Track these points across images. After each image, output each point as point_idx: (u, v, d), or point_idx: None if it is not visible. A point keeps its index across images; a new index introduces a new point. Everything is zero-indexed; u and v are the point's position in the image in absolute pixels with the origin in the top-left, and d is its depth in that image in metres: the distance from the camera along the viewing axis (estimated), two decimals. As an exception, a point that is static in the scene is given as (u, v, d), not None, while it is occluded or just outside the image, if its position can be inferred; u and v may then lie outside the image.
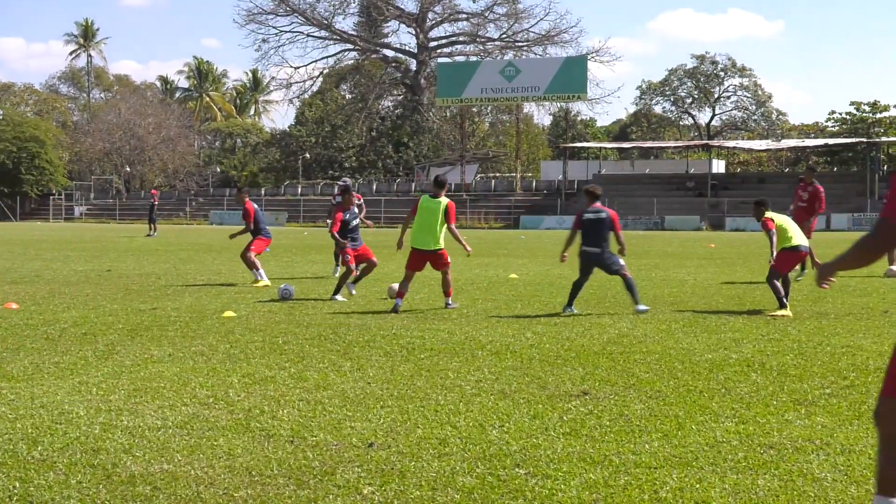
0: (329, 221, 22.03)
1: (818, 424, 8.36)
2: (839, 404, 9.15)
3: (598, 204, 16.76)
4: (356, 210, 20.71)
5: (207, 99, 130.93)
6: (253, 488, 6.62)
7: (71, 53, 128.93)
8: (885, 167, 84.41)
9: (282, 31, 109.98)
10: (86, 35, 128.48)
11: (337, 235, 19.59)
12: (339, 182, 24.77)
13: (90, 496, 6.39)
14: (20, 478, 6.82)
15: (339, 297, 18.59)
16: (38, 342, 12.88)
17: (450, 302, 17.28)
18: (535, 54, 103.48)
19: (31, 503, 6.32)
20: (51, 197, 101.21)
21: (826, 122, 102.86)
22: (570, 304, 16.58)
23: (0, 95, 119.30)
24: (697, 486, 6.59)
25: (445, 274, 17.26)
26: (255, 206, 22.94)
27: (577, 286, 16.66)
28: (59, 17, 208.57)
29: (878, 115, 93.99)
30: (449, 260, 17.15)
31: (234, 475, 6.91)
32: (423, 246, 17.04)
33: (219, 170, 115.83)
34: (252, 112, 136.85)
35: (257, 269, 22.22)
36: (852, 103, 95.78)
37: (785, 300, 16.05)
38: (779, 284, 16.13)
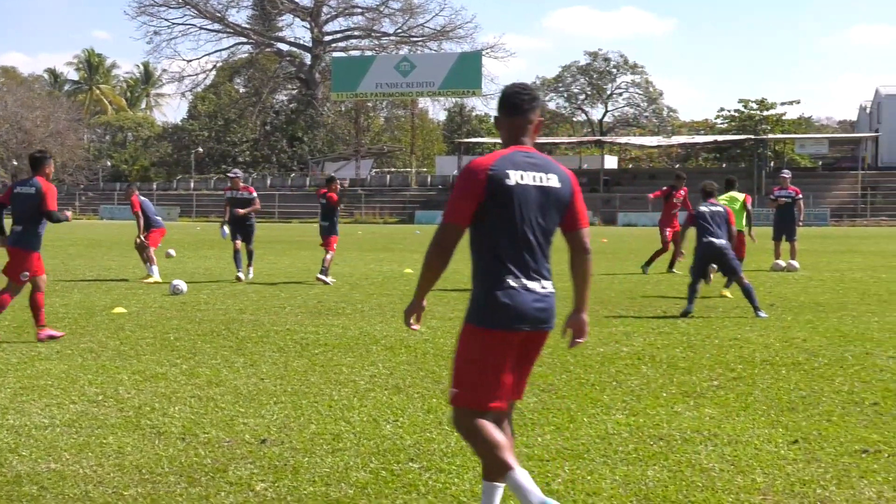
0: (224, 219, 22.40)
1: (706, 416, 8.49)
2: (726, 396, 9.31)
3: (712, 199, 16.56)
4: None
5: (97, 92, 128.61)
6: (143, 486, 6.52)
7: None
8: (772, 163, 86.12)
9: (174, 24, 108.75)
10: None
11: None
12: (228, 174, 24.47)
13: (-25, 496, 6.26)
14: None
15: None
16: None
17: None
18: (431, 50, 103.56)
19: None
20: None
21: (715, 119, 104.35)
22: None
23: None
24: (589, 477, 6.65)
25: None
26: (143, 198, 22.72)
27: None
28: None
29: (766, 113, 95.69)
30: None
31: (123, 473, 6.80)
32: None
33: (109, 164, 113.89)
34: (143, 106, 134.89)
35: (151, 265, 21.98)
36: (741, 101, 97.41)
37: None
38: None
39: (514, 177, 5.30)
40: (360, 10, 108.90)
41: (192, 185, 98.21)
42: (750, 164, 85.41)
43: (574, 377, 10.26)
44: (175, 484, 6.57)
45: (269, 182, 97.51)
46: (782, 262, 24.83)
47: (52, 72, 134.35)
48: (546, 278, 5.45)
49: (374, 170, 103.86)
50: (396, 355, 11.71)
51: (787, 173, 27.44)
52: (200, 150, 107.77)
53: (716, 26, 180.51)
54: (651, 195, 25.67)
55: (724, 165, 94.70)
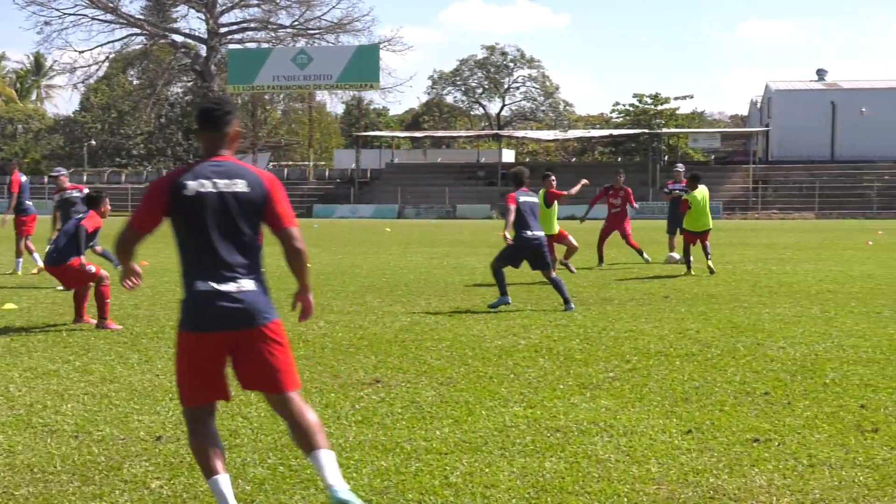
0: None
1: (602, 407, 8.58)
2: (622, 387, 9.42)
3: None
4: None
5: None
6: (35, 486, 6.43)
7: None
8: (666, 157, 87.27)
9: (65, 14, 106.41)
10: None
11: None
12: (51, 172, 22.40)
13: None
14: None
15: None
16: None
17: None
18: (328, 42, 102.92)
19: None
20: None
21: (611, 113, 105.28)
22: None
23: None
24: (487, 470, 6.69)
25: None
26: (24, 178, 22.10)
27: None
28: None
29: (660, 107, 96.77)
30: None
31: (14, 473, 6.70)
32: None
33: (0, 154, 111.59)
34: (34, 97, 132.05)
35: (32, 254, 21.73)
36: (635, 95, 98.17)
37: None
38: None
39: (195, 186, 5.62)
40: (255, 3, 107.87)
41: (84, 178, 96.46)
42: (644, 158, 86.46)
43: (472, 370, 10.31)
44: (68, 482, 6.49)
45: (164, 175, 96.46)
46: (676, 255, 25.10)
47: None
48: (243, 278, 5.76)
49: (272, 163, 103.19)
50: (295, 350, 11.54)
51: (680, 167, 27.72)
52: (93, 142, 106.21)
53: (610, 21, 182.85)
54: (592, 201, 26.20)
55: (619, 159, 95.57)
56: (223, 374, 5.83)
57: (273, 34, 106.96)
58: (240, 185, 5.73)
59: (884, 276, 21.08)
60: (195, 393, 5.80)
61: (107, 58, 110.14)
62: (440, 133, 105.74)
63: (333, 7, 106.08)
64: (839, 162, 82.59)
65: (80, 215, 14.01)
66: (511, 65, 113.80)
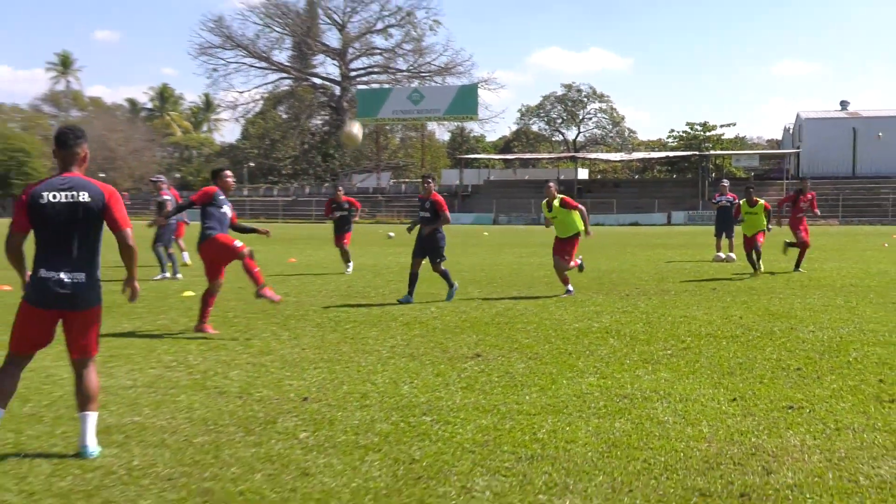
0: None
1: (662, 379, 8.51)
2: (678, 362, 9.32)
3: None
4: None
5: (168, 117, 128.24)
6: (209, 435, 6.56)
7: (52, 79, 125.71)
8: (713, 174, 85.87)
9: (228, 63, 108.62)
10: (64, 64, 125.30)
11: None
12: (151, 178, 21.60)
13: (72, 444, 6.28)
14: (14, 430, 6.69)
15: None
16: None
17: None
18: (436, 83, 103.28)
19: (23, 451, 6.20)
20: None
21: (667, 138, 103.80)
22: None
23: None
24: (567, 428, 6.67)
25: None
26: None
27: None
28: (41, 49, 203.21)
29: (708, 133, 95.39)
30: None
31: (193, 425, 6.84)
32: None
33: (178, 176, 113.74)
34: (205, 129, 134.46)
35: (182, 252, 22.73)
36: (687, 124, 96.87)
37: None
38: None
39: (48, 196, 6.07)
40: (379, 52, 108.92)
41: (245, 192, 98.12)
42: (695, 176, 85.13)
43: (554, 347, 10.28)
44: (234, 433, 6.60)
45: (307, 190, 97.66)
46: (722, 255, 24.81)
47: (131, 101, 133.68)
48: (78, 270, 6.13)
49: (392, 180, 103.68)
50: (412, 330, 11.73)
51: (726, 182, 27.32)
52: (251, 164, 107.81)
53: (667, 62, 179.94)
54: (780, 200, 23.61)
55: (674, 176, 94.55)
56: (49, 335, 6.26)
57: (392, 77, 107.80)
58: (84, 196, 6.16)
59: (897, 272, 20.58)
60: (22, 344, 6.24)
61: (261, 97, 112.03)
62: (527, 155, 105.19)
63: (440, 55, 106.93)
64: (859, 177, 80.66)
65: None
66: (585, 99, 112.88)
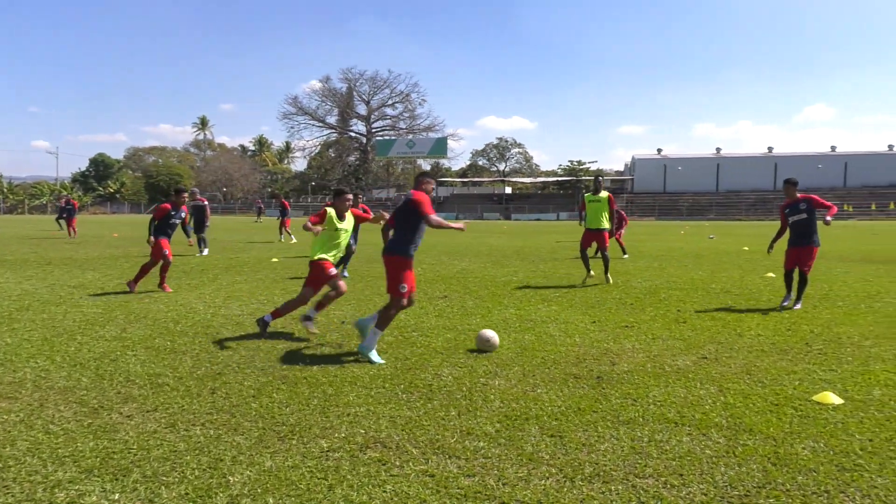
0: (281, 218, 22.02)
1: (552, 310, 8.42)
2: (562, 300, 9.19)
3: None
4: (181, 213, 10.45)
5: (264, 155, 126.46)
6: (286, 343, 6.46)
7: (195, 132, 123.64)
8: (584, 193, 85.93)
9: (300, 123, 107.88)
10: (202, 123, 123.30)
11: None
12: (191, 191, 16.69)
13: (205, 349, 6.20)
14: (170, 340, 6.59)
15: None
16: (179, 275, 12.42)
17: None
18: (422, 135, 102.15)
19: (175, 350, 6.10)
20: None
21: (558, 169, 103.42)
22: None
23: (161, 153, 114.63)
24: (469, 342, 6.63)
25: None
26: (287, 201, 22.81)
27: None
28: (189, 114, 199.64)
29: (581, 167, 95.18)
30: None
31: (276, 337, 6.73)
32: None
33: (269, 190, 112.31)
34: (286, 161, 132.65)
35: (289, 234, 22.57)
36: (569, 161, 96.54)
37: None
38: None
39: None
40: (389, 117, 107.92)
41: (308, 200, 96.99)
42: (574, 191, 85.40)
43: (490, 292, 10.07)
44: (299, 341, 6.50)
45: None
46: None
47: (241, 146, 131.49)
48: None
49: (396, 193, 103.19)
50: (433, 286, 11.59)
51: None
52: (312, 184, 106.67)
53: (558, 125, 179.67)
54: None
55: (561, 191, 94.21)
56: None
57: (397, 132, 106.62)
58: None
59: (687, 247, 20.65)
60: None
61: (319, 143, 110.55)
62: (476, 179, 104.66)
63: (426, 119, 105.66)
64: (668, 193, 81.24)
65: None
66: (509, 146, 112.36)
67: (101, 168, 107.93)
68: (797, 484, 3.43)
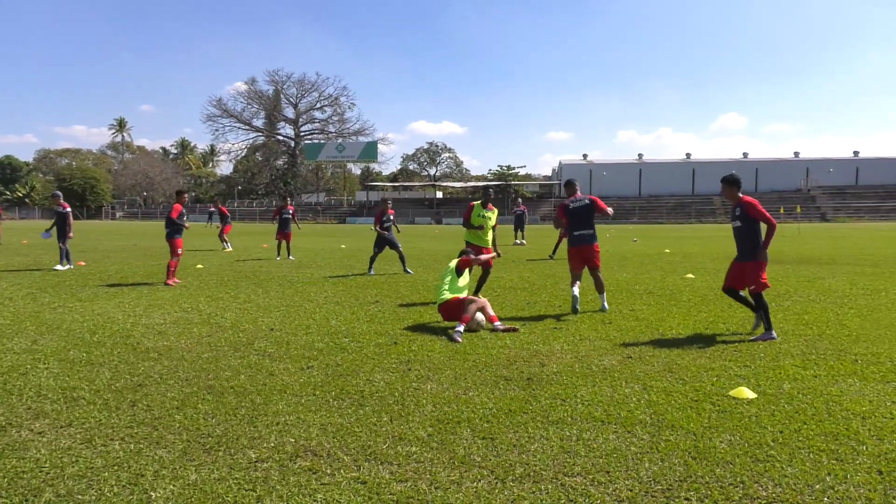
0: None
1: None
2: (493, 303, 9.36)
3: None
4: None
5: (187, 159, 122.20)
6: (211, 352, 6.29)
7: (112, 134, 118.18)
8: (514, 195, 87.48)
9: (225, 126, 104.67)
10: (120, 125, 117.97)
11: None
12: (53, 194, 14.54)
13: (124, 359, 5.94)
14: (86, 351, 6.27)
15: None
16: (95, 282, 11.83)
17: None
18: (352, 139, 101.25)
19: (92, 362, 5.82)
20: (102, 208, 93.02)
21: (488, 174, 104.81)
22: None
23: (75, 155, 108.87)
24: (429, 343, 6.62)
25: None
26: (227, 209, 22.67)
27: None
28: (106, 115, 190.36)
29: (510, 171, 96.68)
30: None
31: (201, 346, 6.55)
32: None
33: (194, 194, 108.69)
34: (210, 165, 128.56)
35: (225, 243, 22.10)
36: (499, 166, 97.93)
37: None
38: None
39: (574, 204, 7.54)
40: (317, 121, 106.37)
41: (235, 204, 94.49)
42: (504, 195, 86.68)
43: (421, 296, 10.07)
44: (227, 351, 6.34)
45: (274, 203, 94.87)
46: (518, 241, 24.62)
47: (163, 148, 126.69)
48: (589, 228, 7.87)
49: (326, 197, 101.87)
50: (336, 287, 11.46)
51: (520, 199, 27.89)
52: (239, 188, 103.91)
53: (488, 130, 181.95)
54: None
55: (491, 195, 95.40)
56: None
57: (326, 136, 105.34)
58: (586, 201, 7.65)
59: (632, 250, 21.26)
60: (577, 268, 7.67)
61: (245, 147, 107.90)
62: (407, 183, 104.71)
63: (355, 123, 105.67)
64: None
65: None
66: (440, 151, 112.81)
67: (7, 171, 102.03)
68: (715, 476, 3.59)
